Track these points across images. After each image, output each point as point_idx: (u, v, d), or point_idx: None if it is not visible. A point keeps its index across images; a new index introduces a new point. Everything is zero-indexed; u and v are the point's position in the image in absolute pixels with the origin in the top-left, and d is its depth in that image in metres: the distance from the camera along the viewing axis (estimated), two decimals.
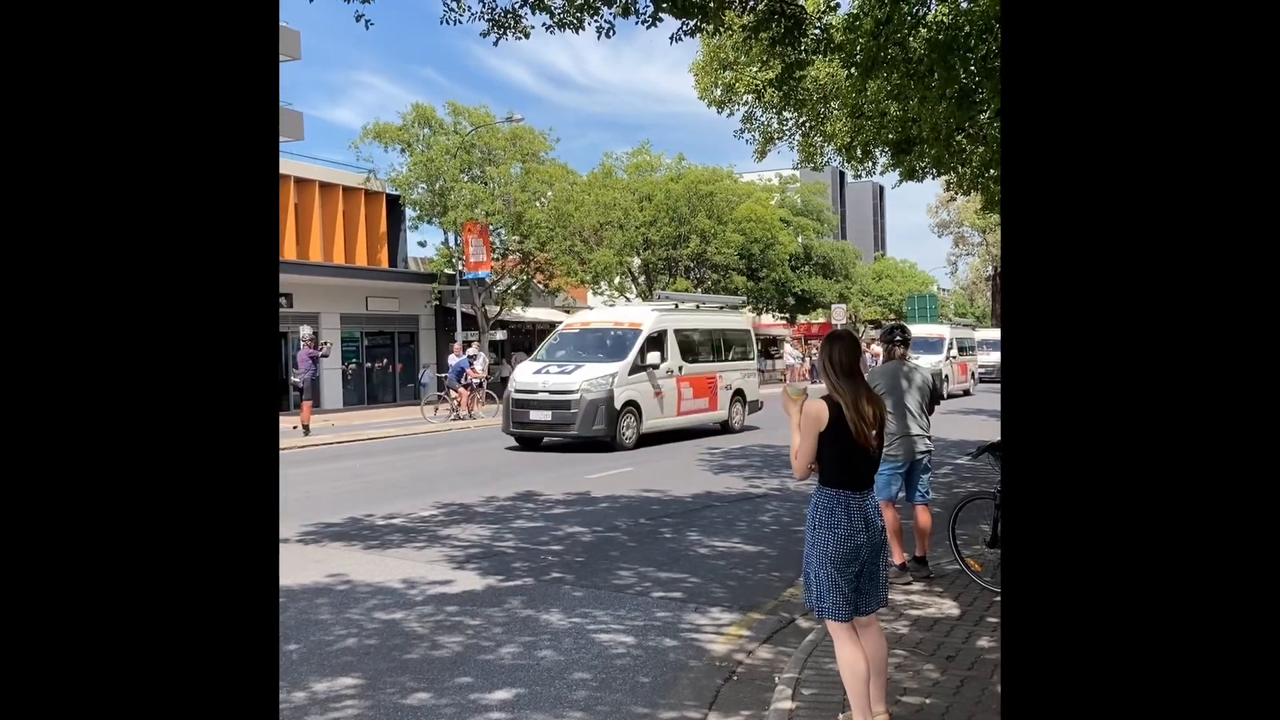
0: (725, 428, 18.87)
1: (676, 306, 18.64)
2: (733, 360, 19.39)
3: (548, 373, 16.47)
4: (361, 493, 11.55)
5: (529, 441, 16.68)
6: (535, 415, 16.13)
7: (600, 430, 15.67)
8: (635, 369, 16.42)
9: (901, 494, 6.88)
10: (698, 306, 19.62)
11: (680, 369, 17.56)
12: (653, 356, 16.77)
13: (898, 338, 7.07)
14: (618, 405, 15.91)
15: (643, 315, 17.85)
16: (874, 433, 3.90)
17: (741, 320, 21.20)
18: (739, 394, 19.23)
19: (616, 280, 36.50)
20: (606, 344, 17.19)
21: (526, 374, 16.81)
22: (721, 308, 20.76)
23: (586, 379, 15.90)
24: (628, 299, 39.17)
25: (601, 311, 20.18)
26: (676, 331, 17.72)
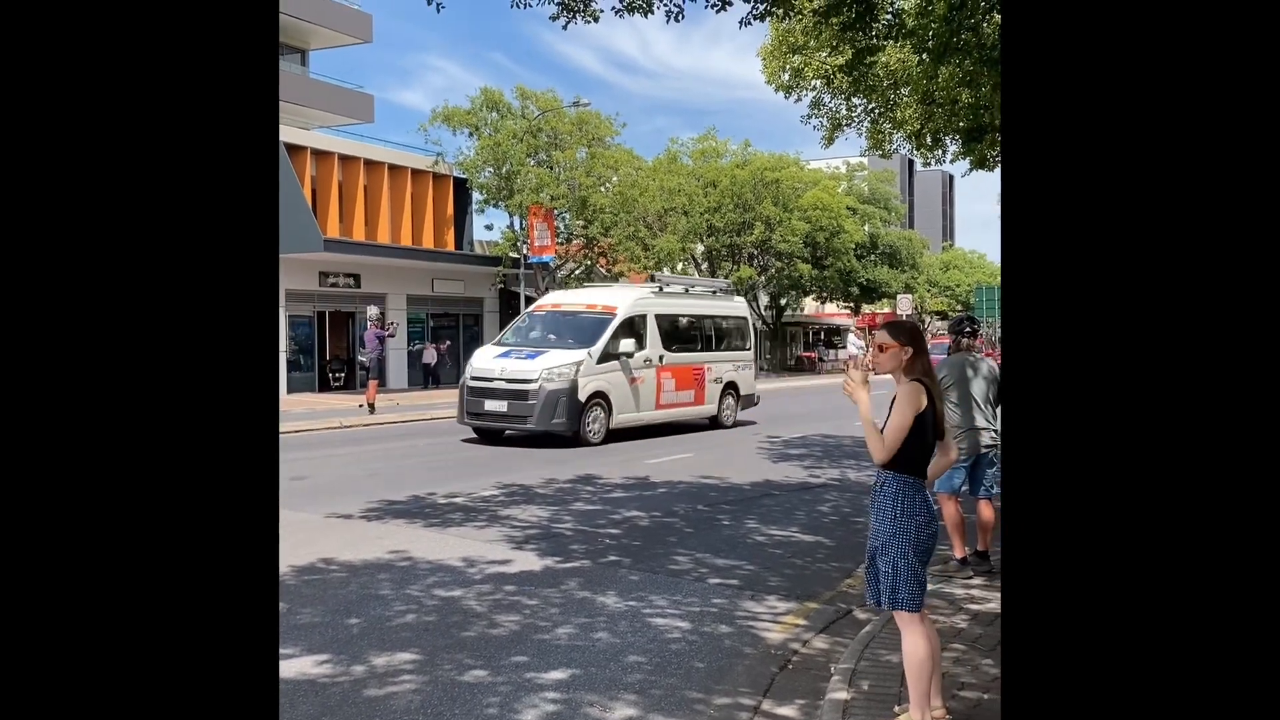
0: (715, 423, 17.27)
1: (661, 289, 16.97)
2: (725, 350, 17.80)
3: (509, 358, 14.91)
4: (424, 471, 11.71)
5: (489, 435, 15.02)
6: (490, 405, 14.49)
7: (560, 424, 14.13)
8: (606, 357, 14.84)
9: (965, 487, 6.78)
10: (687, 290, 17.99)
11: (661, 358, 15.92)
12: (627, 344, 15.13)
13: (966, 329, 6.97)
14: (582, 397, 14.31)
15: (619, 298, 16.15)
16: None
17: (738, 307, 19.18)
18: (731, 387, 17.60)
19: (679, 267, 36.43)
20: (577, 328, 15.41)
21: (486, 359, 15.20)
22: (715, 292, 19.06)
23: (547, 366, 14.35)
24: None
25: (578, 292, 18.00)
26: (659, 317, 16.12)
